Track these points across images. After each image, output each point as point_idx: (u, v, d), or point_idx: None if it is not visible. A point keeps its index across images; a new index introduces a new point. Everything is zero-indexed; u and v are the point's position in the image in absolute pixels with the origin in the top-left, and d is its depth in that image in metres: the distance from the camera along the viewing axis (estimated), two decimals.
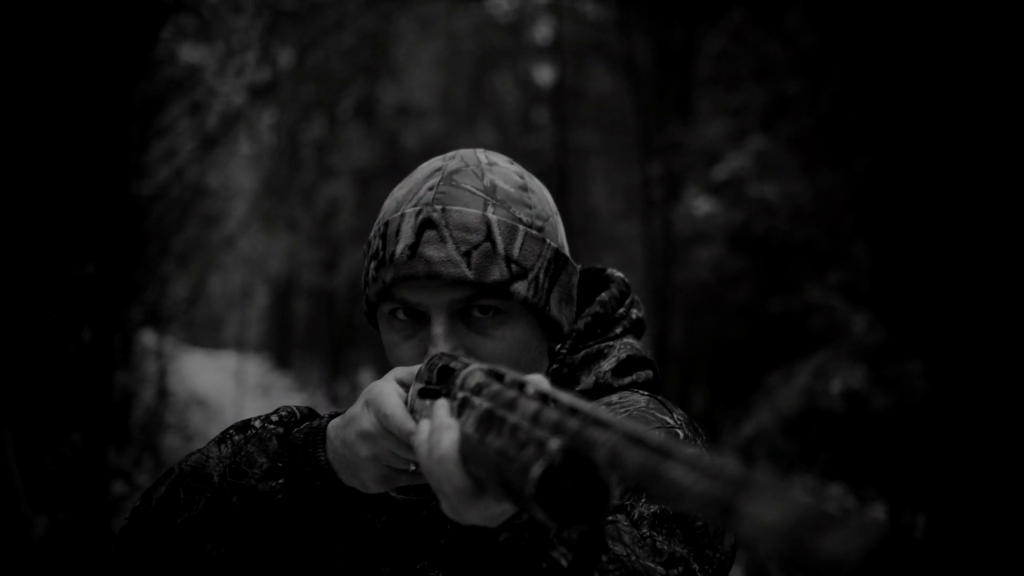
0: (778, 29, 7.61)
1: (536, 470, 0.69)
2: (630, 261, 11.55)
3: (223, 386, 13.48)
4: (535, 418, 0.73)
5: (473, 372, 0.88)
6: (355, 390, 14.05)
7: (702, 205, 7.89)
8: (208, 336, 23.40)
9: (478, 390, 0.84)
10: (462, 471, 0.82)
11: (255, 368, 18.19)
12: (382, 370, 1.16)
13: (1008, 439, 5.16)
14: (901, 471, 5.95)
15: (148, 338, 8.12)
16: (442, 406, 0.88)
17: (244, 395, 13.48)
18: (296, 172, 15.55)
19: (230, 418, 7.18)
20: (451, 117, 16.00)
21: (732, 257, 8.25)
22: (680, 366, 9.67)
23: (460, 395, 0.87)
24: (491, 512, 0.83)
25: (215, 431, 1.42)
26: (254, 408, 9.28)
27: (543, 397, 0.75)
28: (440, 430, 0.84)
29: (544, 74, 16.95)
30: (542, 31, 16.29)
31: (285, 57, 8.87)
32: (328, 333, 16.43)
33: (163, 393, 7.71)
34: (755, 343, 8.63)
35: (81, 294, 4.99)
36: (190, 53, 6.70)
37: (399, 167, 10.00)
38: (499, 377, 0.85)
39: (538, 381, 0.79)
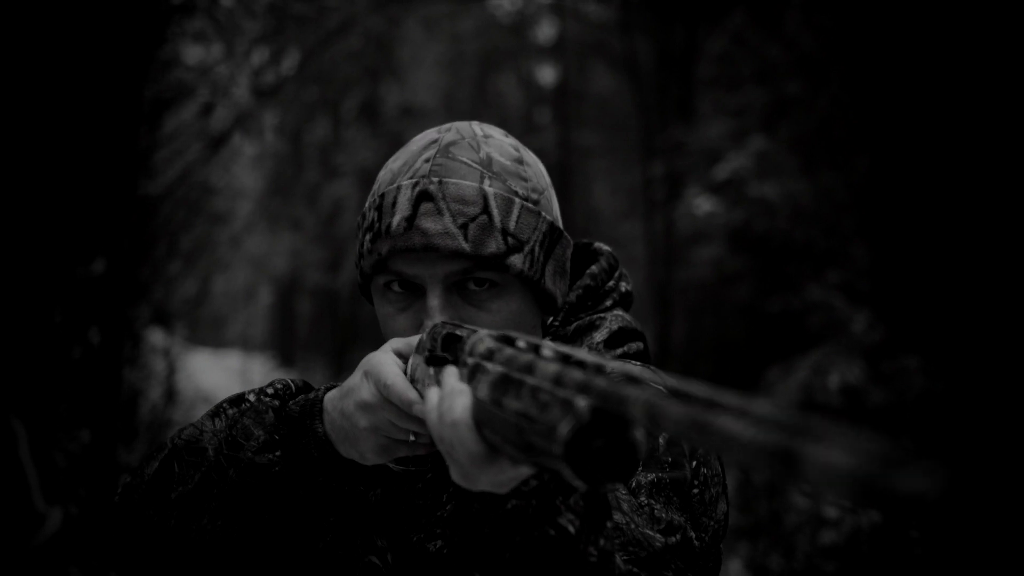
0: (778, 31, 7.67)
1: (564, 428, 0.67)
2: (632, 261, 11.59)
3: (228, 384, 13.54)
4: (557, 379, 0.71)
5: (482, 338, 0.86)
6: None
7: (703, 205, 7.93)
8: (212, 335, 23.46)
9: (489, 355, 0.83)
10: (476, 435, 0.80)
11: (259, 367, 18.26)
12: None
13: (1005, 435, 5.22)
14: None
15: (155, 336, 8.16)
16: (452, 373, 0.87)
17: None
18: (300, 172, 15.64)
19: None
20: (454, 118, 16.00)
21: (732, 257, 8.31)
22: (681, 364, 9.72)
23: (470, 361, 0.85)
24: (503, 477, 0.82)
25: None
26: None
27: (563, 358, 0.74)
28: (452, 395, 0.83)
29: (547, 74, 17.02)
30: (545, 31, 16.35)
31: (291, 59, 8.94)
32: (332, 332, 16.50)
33: (170, 391, 7.75)
34: (755, 342, 8.68)
35: (90, 292, 5.04)
36: (199, 54, 6.75)
37: None
38: (510, 342, 0.83)
39: (553, 344, 0.77)
